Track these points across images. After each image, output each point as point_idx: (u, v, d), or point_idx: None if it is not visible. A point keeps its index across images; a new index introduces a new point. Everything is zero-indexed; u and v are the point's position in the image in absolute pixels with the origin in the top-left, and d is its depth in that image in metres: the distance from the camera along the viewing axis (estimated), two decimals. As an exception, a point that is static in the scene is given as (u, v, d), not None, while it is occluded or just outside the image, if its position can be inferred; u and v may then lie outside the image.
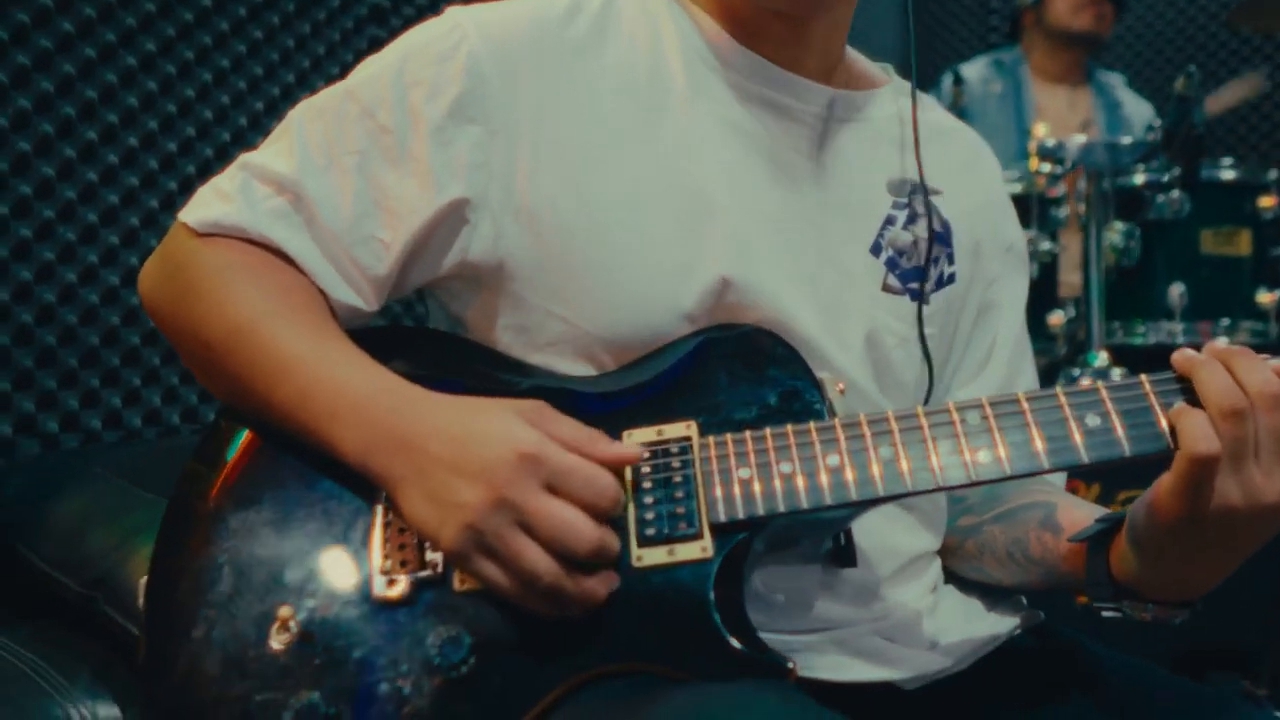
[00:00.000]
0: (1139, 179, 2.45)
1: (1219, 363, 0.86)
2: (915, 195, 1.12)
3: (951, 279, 1.14)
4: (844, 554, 0.99)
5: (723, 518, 0.88)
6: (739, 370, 0.96)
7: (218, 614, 0.90)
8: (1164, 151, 2.38)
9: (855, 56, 1.18)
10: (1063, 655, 1.10)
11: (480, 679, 0.86)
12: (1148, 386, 0.88)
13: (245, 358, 0.95)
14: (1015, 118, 3.32)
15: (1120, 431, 0.87)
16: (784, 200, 1.06)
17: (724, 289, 0.99)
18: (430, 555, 0.90)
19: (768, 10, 1.05)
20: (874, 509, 0.98)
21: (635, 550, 0.87)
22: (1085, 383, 0.93)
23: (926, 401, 1.11)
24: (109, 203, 1.72)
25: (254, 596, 0.90)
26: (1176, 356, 0.88)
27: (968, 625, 1.08)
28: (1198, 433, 0.83)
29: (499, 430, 0.86)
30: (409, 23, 1.20)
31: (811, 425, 0.90)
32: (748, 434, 0.91)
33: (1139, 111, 3.42)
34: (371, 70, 1.04)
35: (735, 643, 0.85)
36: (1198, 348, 0.88)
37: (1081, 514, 1.03)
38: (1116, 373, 2.35)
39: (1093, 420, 0.87)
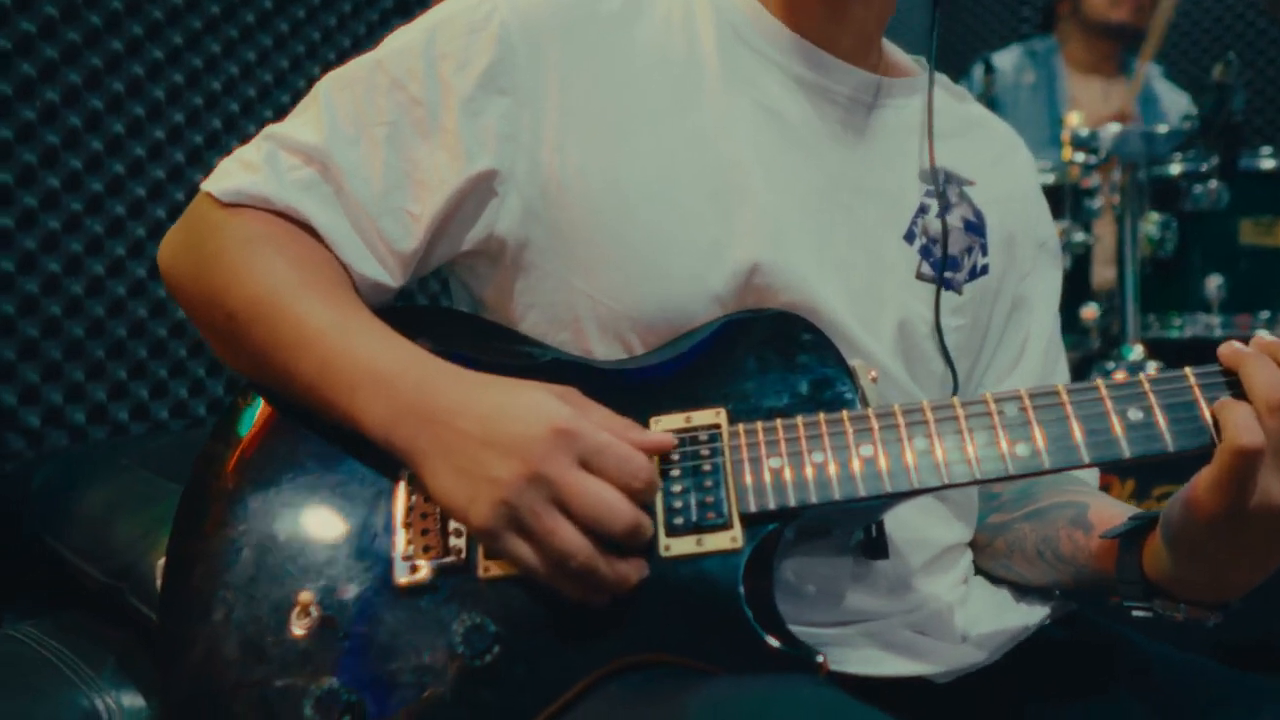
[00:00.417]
0: (1175, 169, 2.40)
1: (1267, 356, 0.84)
2: (949, 185, 1.10)
3: (985, 270, 1.12)
4: (876, 545, 0.97)
5: (753, 508, 0.86)
6: (768, 356, 0.94)
7: (236, 597, 0.89)
8: (1202, 140, 2.34)
9: (890, 46, 1.17)
10: (1099, 646, 1.08)
11: (504, 668, 0.85)
12: (1192, 379, 0.86)
13: (267, 328, 0.94)
14: (1048, 108, 3.27)
15: (1163, 425, 0.84)
16: (817, 183, 1.04)
17: (753, 271, 0.98)
18: (454, 541, 0.88)
19: None
20: (908, 501, 0.96)
21: (663, 540, 0.86)
22: (1120, 376, 0.90)
23: (954, 394, 1.08)
24: (136, 195, 1.73)
25: (274, 580, 0.89)
26: (1223, 349, 0.86)
27: (999, 616, 1.06)
28: (1242, 425, 0.81)
29: (532, 405, 0.84)
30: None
31: (844, 414, 0.89)
32: (778, 422, 0.89)
33: (1175, 103, 3.36)
34: (401, 42, 1.03)
35: (769, 639, 0.83)
36: (1244, 341, 0.86)
37: (1114, 513, 1.01)
38: (1152, 366, 2.31)
39: (1135, 414, 0.85)
